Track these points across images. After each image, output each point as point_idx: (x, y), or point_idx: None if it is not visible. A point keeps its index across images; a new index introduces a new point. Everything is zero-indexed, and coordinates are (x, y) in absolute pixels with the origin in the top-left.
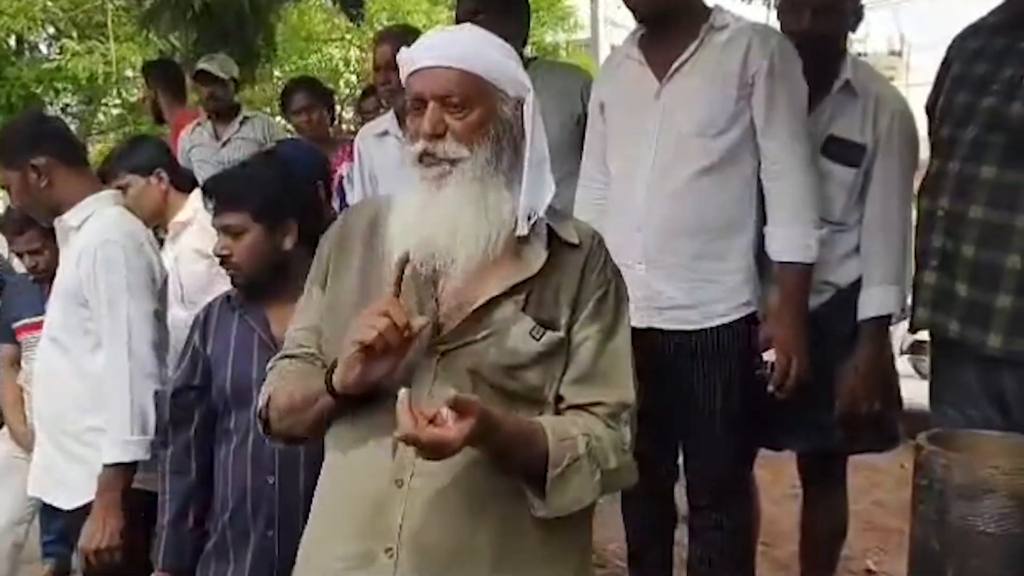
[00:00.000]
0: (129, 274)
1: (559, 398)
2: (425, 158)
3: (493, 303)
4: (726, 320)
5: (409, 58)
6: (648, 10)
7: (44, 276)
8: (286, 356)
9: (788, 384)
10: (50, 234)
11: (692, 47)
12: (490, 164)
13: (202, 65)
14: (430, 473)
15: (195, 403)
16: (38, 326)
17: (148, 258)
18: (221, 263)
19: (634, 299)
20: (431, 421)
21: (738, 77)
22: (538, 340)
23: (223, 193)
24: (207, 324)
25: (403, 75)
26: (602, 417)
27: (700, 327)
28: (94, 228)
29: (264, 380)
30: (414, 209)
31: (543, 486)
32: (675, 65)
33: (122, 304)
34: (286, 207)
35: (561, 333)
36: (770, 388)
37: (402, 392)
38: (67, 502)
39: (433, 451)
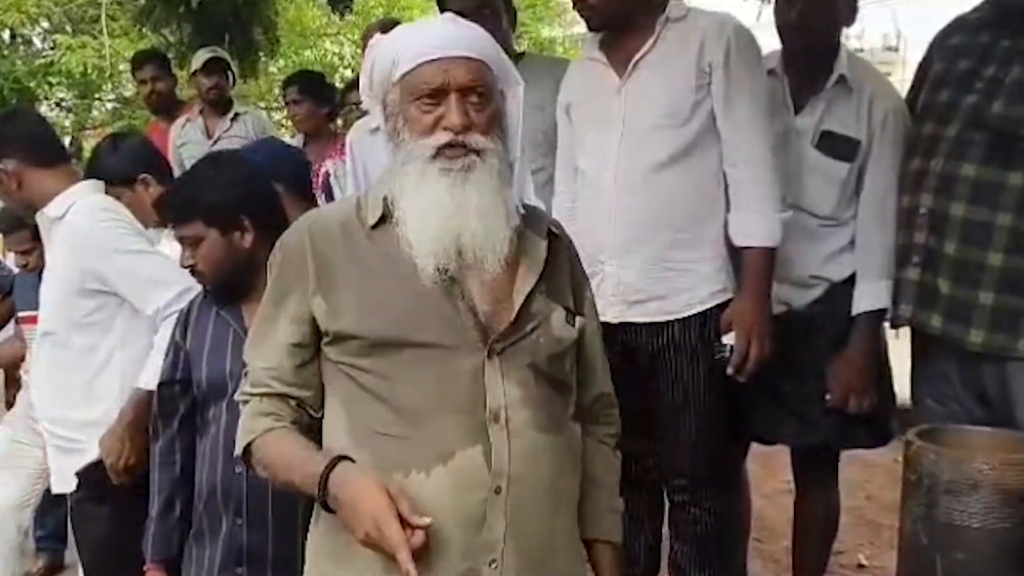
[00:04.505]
0: (130, 230)
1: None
2: (449, 149)
3: (528, 296)
4: (702, 308)
5: (412, 48)
6: (600, 21)
7: (37, 272)
8: (255, 395)
9: (748, 367)
10: (40, 234)
11: (650, 42)
12: (503, 159)
13: (219, 53)
14: (521, 476)
15: (178, 397)
16: (34, 319)
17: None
18: (191, 273)
19: (606, 295)
20: None
21: (696, 67)
22: (573, 326)
23: (174, 205)
24: (187, 320)
25: (400, 66)
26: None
27: (676, 317)
28: (82, 212)
29: (237, 373)
30: (443, 202)
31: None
32: (634, 60)
33: (144, 261)
34: (237, 206)
35: (583, 317)
36: (729, 370)
37: None
38: (63, 486)
39: None
